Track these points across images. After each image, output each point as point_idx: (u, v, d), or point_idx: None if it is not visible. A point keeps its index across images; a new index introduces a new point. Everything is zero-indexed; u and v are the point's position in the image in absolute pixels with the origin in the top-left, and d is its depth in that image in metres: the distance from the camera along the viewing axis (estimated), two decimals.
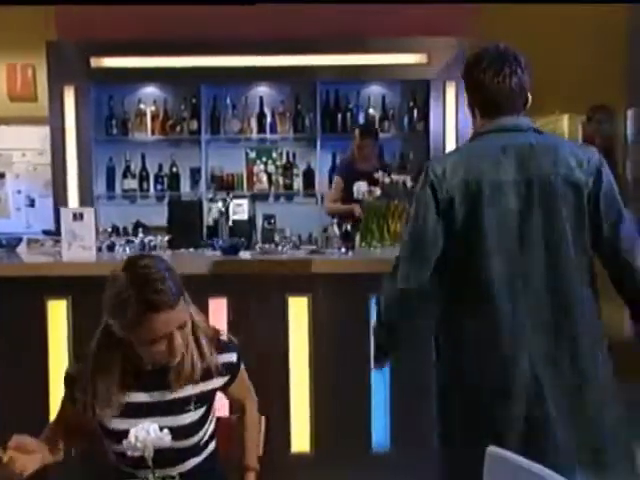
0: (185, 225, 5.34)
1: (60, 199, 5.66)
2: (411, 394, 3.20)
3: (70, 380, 1.90)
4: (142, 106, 5.89)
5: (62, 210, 3.33)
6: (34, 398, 3.16)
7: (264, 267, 3.19)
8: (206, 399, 1.90)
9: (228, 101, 5.90)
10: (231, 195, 5.82)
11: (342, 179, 5.17)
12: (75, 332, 3.22)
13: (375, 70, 5.68)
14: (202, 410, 1.89)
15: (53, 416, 1.99)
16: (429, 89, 5.68)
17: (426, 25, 5.59)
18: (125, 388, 1.84)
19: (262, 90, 5.96)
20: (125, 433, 1.66)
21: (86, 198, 5.70)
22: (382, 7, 5.59)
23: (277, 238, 4.44)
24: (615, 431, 2.17)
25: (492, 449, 1.91)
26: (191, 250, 3.69)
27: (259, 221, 5.77)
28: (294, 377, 3.19)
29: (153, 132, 5.89)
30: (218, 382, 1.92)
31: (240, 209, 5.62)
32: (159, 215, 5.74)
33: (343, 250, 3.54)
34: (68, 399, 1.91)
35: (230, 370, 1.95)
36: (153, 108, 5.90)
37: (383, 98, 5.90)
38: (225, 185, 5.93)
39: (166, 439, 1.42)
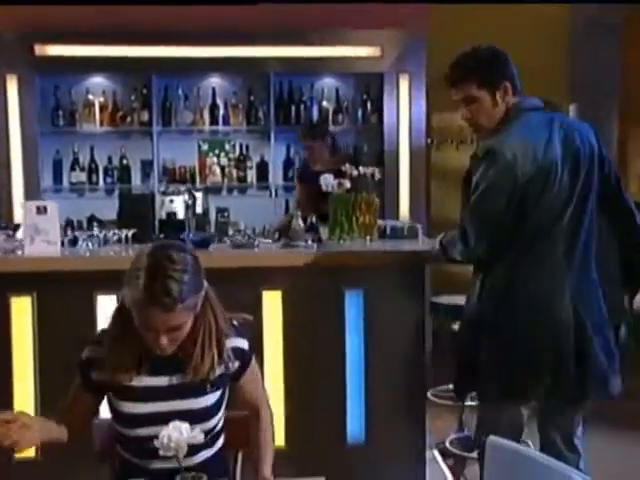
0: (137, 219, 5.23)
1: (4, 192, 5.47)
2: (387, 386, 3.22)
3: (86, 364, 1.88)
4: (90, 96, 5.72)
5: (25, 203, 3.22)
6: None
7: (237, 261, 3.15)
8: (220, 384, 1.90)
9: (180, 92, 5.78)
10: (184, 188, 5.74)
11: (299, 183, 5.18)
12: (41, 329, 3.11)
13: (329, 62, 5.67)
14: (218, 394, 1.89)
15: None
16: (383, 82, 5.70)
17: (379, 18, 5.60)
18: (143, 372, 1.84)
19: (215, 81, 5.86)
20: (142, 417, 1.67)
21: (32, 191, 5.51)
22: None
23: (231, 231, 4.38)
24: None
25: (492, 439, 1.94)
26: None
27: (212, 214, 5.72)
28: (268, 371, 3.14)
29: (102, 123, 5.72)
30: (229, 367, 1.91)
31: (184, 202, 5.55)
32: (109, 209, 5.59)
33: (310, 243, 3.52)
34: (82, 386, 1.89)
35: (240, 356, 1.93)
36: (102, 99, 5.74)
37: (337, 91, 5.89)
38: (178, 178, 5.83)
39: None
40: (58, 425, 1.85)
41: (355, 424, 3.23)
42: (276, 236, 4.14)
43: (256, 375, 2.03)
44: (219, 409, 1.91)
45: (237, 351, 1.94)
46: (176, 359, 1.85)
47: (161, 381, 1.85)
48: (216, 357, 1.85)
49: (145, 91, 5.71)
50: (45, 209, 3.16)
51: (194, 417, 1.80)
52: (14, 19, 5.41)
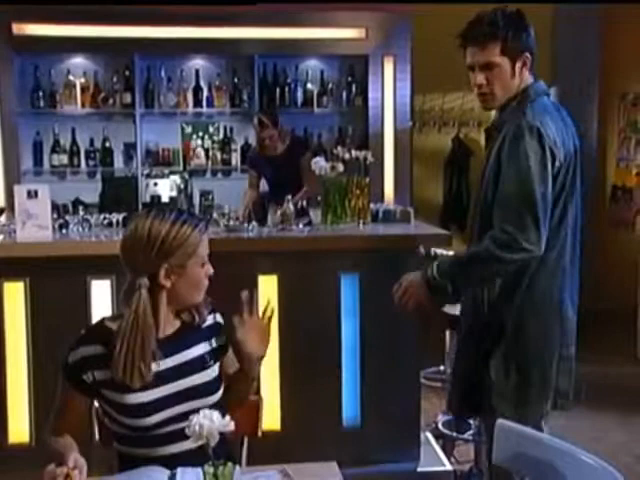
0: (120, 202, 5.18)
1: None
2: (382, 370, 3.24)
3: (78, 365, 1.82)
4: (71, 77, 5.61)
5: (15, 187, 3.16)
6: None
7: (233, 245, 3.13)
8: (217, 356, 1.95)
9: (163, 74, 5.71)
10: (168, 171, 5.69)
11: (253, 169, 5.23)
12: (33, 315, 3.08)
13: (313, 44, 5.62)
14: (216, 368, 1.93)
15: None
16: (367, 64, 5.67)
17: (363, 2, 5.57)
18: (153, 358, 1.83)
19: (198, 63, 5.79)
20: (149, 405, 1.72)
21: (12, 174, 5.41)
22: None
23: (215, 215, 4.36)
24: None
25: (500, 421, 1.96)
26: None
27: (196, 197, 5.68)
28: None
29: (83, 105, 5.62)
30: (219, 341, 1.97)
31: (177, 185, 5.50)
32: (91, 192, 5.54)
33: (301, 227, 3.51)
34: (74, 389, 1.84)
35: (223, 330, 1.98)
36: (83, 80, 5.64)
37: (321, 73, 5.86)
38: (161, 161, 5.77)
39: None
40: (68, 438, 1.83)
41: (350, 407, 3.24)
42: (248, 216, 4.10)
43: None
44: (220, 384, 1.93)
45: (219, 326, 2.00)
46: (172, 341, 1.87)
47: (164, 364, 1.84)
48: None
49: (127, 72, 5.63)
50: (36, 193, 3.12)
51: (198, 393, 1.85)
52: None
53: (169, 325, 1.89)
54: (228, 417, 1.40)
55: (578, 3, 6.25)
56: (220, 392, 1.92)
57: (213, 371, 1.92)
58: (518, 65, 2.20)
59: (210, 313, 1.98)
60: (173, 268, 1.82)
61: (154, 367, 1.80)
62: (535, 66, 2.30)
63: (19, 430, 3.08)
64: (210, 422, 1.34)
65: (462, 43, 2.24)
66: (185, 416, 1.54)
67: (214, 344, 1.96)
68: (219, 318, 2.02)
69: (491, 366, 2.27)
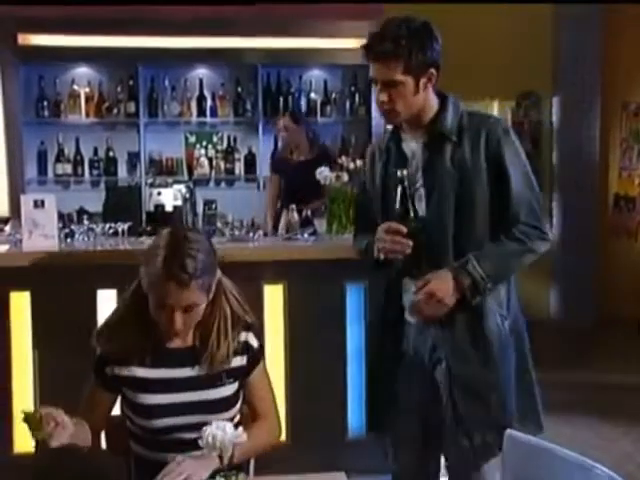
0: (123, 211, 5.19)
1: None
2: None
3: (99, 361, 1.89)
4: (75, 87, 5.65)
5: (22, 197, 3.16)
6: None
7: (239, 255, 3.13)
8: (236, 376, 1.92)
9: (167, 83, 5.74)
10: (171, 180, 5.69)
11: (275, 174, 5.15)
12: (39, 324, 3.08)
13: (317, 54, 5.66)
14: (233, 387, 1.90)
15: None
16: None
17: (368, 9, 5.58)
18: (159, 363, 1.85)
19: (202, 72, 5.82)
20: (159, 408, 1.72)
21: (17, 183, 5.43)
22: None
23: (219, 224, 4.37)
24: None
25: (509, 432, 1.95)
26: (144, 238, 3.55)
27: (200, 207, 5.69)
28: (270, 365, 3.09)
29: (87, 114, 5.66)
30: (240, 361, 1.93)
31: (180, 195, 5.50)
32: (95, 201, 5.55)
33: (306, 236, 3.52)
34: (98, 385, 1.90)
35: (247, 352, 1.94)
36: (87, 89, 5.67)
37: (325, 82, 5.88)
38: (164, 170, 5.78)
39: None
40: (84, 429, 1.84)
41: (356, 417, 3.24)
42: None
43: (266, 380, 2.02)
44: (235, 402, 1.92)
45: (246, 345, 1.95)
46: (194, 350, 1.88)
47: (178, 372, 1.86)
48: (232, 346, 1.88)
49: (131, 82, 5.66)
50: (42, 203, 3.12)
51: (210, 408, 1.84)
52: None
53: (188, 336, 1.90)
54: (241, 428, 1.40)
55: (577, 3, 6.26)
56: (235, 409, 1.91)
57: (228, 389, 1.90)
58: (422, 81, 2.11)
59: (242, 331, 1.95)
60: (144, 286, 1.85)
61: (168, 373, 1.82)
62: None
63: (24, 439, 3.07)
64: (223, 433, 1.34)
65: (365, 56, 2.13)
66: (197, 427, 1.55)
67: (234, 363, 1.92)
68: (250, 338, 1.97)
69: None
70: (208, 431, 1.35)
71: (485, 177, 2.13)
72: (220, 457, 1.36)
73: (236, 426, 1.42)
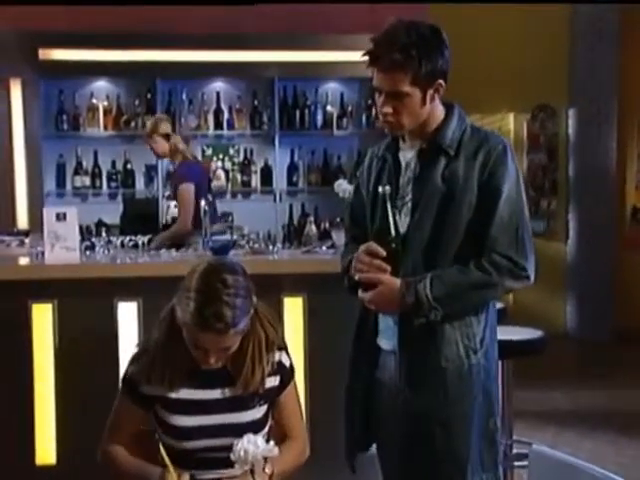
0: (141, 223, 5.22)
1: (7, 197, 5.44)
2: None
3: (133, 378, 1.86)
4: (94, 101, 5.71)
5: (45, 210, 3.19)
6: (19, 405, 3.04)
7: (259, 267, 3.14)
8: (266, 398, 1.89)
9: (184, 96, 5.79)
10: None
11: None
12: (61, 337, 3.10)
13: (333, 67, 5.69)
14: (264, 408, 1.88)
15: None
16: None
17: (383, 22, 5.62)
18: (194, 384, 1.83)
19: (219, 86, 5.87)
20: (191, 430, 1.69)
21: (36, 195, 5.48)
22: (340, 4, 5.59)
23: (235, 236, 4.38)
24: None
25: (535, 447, 1.95)
26: (173, 251, 3.58)
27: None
28: None
29: (106, 128, 5.71)
30: (273, 381, 1.90)
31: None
32: (112, 213, 5.60)
33: (324, 249, 3.53)
34: (131, 402, 1.88)
35: (281, 371, 1.92)
36: (106, 103, 5.72)
37: (341, 95, 5.91)
38: None
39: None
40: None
41: None
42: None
43: (296, 399, 1.99)
44: (266, 423, 1.90)
45: (279, 365, 1.93)
46: (226, 372, 1.85)
47: (212, 394, 1.84)
48: (266, 370, 1.85)
49: (149, 95, 5.71)
50: (64, 216, 3.15)
51: (241, 430, 1.78)
52: (18, 23, 5.39)
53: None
54: (272, 442, 1.40)
55: (593, 3, 6.27)
56: (265, 430, 1.88)
57: (260, 411, 1.88)
58: (430, 92, 1.96)
59: (275, 351, 1.92)
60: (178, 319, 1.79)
61: (202, 394, 1.80)
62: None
63: (46, 451, 3.09)
64: (255, 447, 1.34)
65: (369, 63, 1.96)
66: (227, 449, 1.54)
67: (267, 384, 1.89)
68: (283, 357, 1.94)
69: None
70: (240, 445, 1.35)
71: (474, 197, 1.95)
72: (252, 471, 1.35)
73: (267, 440, 1.41)
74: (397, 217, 1.99)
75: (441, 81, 1.97)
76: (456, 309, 1.96)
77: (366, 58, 1.96)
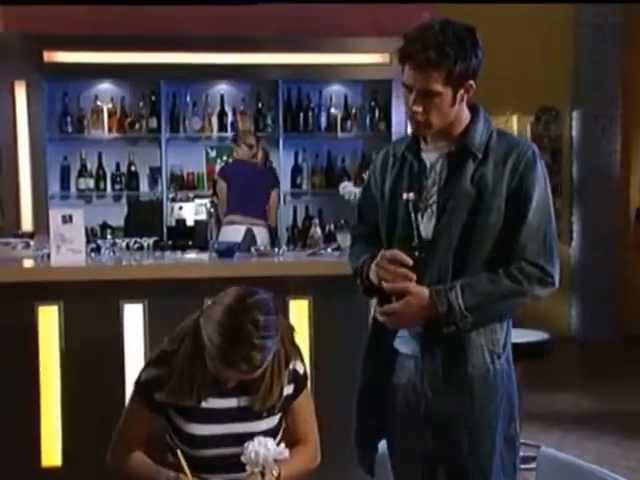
0: (145, 226, 5.24)
1: (12, 198, 5.45)
2: None
3: (149, 384, 1.85)
4: (99, 103, 5.72)
5: (51, 212, 3.19)
6: (24, 406, 3.03)
7: (264, 270, 3.15)
8: (281, 407, 1.89)
9: (188, 99, 5.79)
10: (192, 195, 5.74)
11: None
12: (67, 338, 3.10)
13: (337, 69, 5.70)
14: (277, 417, 1.88)
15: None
16: (391, 89, 5.72)
17: (387, 25, 5.62)
18: (210, 393, 1.82)
19: (223, 88, 5.88)
20: (206, 439, 1.68)
21: (40, 198, 5.49)
22: (344, 7, 5.60)
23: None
24: None
25: (543, 449, 1.94)
26: (179, 253, 3.59)
27: None
28: None
29: (110, 130, 5.72)
30: (288, 390, 1.90)
31: (201, 209, 5.55)
32: (116, 215, 5.61)
33: (329, 251, 3.53)
34: (145, 407, 1.87)
35: (295, 379, 1.92)
36: (110, 105, 5.74)
37: (345, 97, 5.92)
38: (186, 185, 5.82)
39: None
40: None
41: None
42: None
43: (310, 405, 1.99)
44: (279, 430, 1.90)
45: (294, 373, 1.92)
46: (243, 382, 1.83)
47: (228, 403, 1.84)
48: (285, 384, 1.84)
49: (153, 98, 5.72)
50: (71, 218, 3.15)
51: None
52: (23, 25, 5.40)
53: None
54: (283, 445, 1.40)
55: (597, 2, 6.27)
56: (279, 437, 1.88)
57: (274, 420, 1.87)
58: (460, 93, 1.92)
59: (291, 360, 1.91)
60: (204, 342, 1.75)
61: (218, 403, 1.80)
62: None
63: (52, 453, 3.09)
64: (265, 450, 1.34)
65: (400, 60, 1.93)
66: (239, 456, 1.53)
67: (283, 393, 1.88)
68: (298, 365, 1.94)
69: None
70: (250, 447, 1.35)
71: (503, 203, 1.92)
72: (262, 474, 1.35)
73: (278, 443, 1.41)
74: (419, 221, 1.95)
75: (472, 82, 1.93)
76: (486, 317, 1.94)
77: (398, 56, 1.92)
